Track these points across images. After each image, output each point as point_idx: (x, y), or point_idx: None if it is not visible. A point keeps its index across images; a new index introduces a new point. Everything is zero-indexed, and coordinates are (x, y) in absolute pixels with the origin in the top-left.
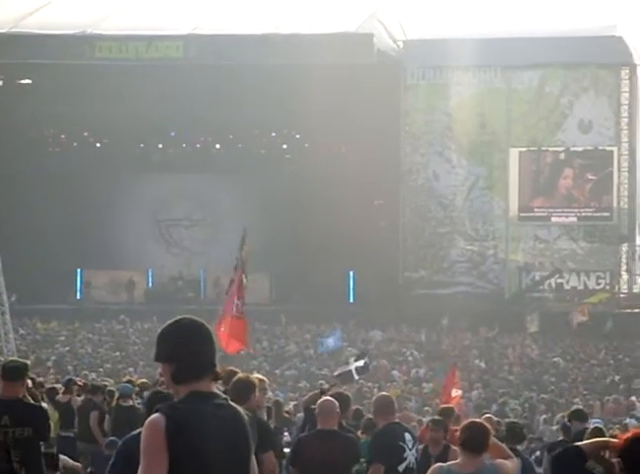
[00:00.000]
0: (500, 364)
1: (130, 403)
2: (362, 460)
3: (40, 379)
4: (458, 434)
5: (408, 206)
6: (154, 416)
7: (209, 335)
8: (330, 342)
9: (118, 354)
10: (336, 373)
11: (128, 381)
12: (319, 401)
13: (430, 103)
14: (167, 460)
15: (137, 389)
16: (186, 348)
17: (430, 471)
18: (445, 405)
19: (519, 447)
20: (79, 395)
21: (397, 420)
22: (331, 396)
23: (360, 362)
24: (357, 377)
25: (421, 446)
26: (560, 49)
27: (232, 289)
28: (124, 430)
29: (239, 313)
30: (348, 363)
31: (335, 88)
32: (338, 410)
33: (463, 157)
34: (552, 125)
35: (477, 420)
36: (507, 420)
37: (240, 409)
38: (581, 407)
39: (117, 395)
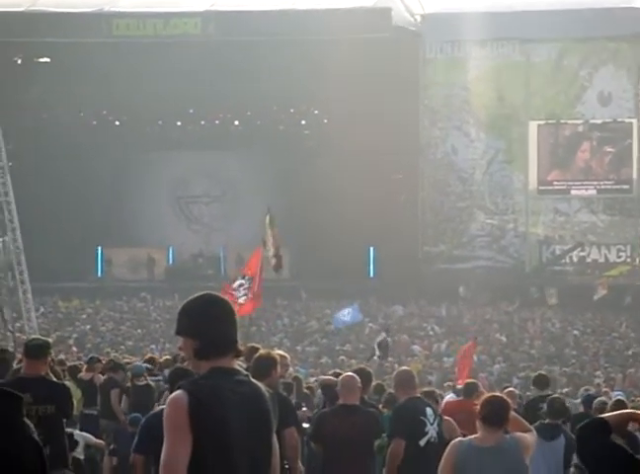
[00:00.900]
0: (521, 338)
1: (144, 382)
2: (384, 435)
3: (62, 357)
4: (478, 408)
5: (427, 181)
6: (176, 393)
7: (232, 311)
8: (345, 316)
9: (139, 331)
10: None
11: (150, 358)
12: (341, 376)
13: (448, 77)
14: (190, 437)
15: (157, 367)
16: (210, 324)
17: (450, 446)
18: (470, 380)
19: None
20: (102, 373)
21: (418, 394)
22: (353, 371)
23: (380, 337)
24: (377, 353)
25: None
26: (579, 22)
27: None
28: (141, 408)
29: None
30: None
31: (353, 63)
32: (359, 385)
33: (482, 131)
34: (571, 98)
35: (497, 394)
36: (549, 396)
37: (261, 385)
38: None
39: (130, 375)
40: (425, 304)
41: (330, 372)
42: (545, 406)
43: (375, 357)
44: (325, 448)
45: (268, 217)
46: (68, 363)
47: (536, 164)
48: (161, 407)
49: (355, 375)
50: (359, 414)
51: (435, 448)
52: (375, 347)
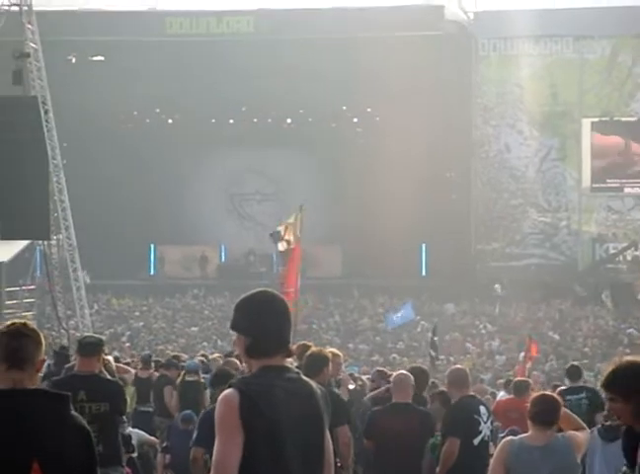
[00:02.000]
0: (574, 336)
1: (195, 378)
2: (437, 434)
3: (117, 354)
4: (528, 406)
5: (479, 179)
6: (228, 391)
7: (286, 310)
8: (397, 316)
9: (192, 329)
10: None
11: (203, 355)
12: (394, 374)
13: (501, 74)
14: (241, 435)
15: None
16: (263, 322)
17: (500, 444)
18: (521, 379)
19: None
20: (156, 370)
21: (472, 393)
22: (409, 370)
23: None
24: (433, 353)
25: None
26: (632, 18)
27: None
28: (190, 404)
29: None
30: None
31: (406, 60)
32: (412, 383)
33: (535, 128)
34: (625, 95)
35: (547, 392)
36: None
37: (313, 383)
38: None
39: (183, 371)
40: (477, 302)
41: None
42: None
43: (433, 354)
44: (377, 446)
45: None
46: (122, 361)
47: (590, 162)
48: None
49: (407, 373)
50: (411, 412)
51: (488, 447)
52: (431, 351)
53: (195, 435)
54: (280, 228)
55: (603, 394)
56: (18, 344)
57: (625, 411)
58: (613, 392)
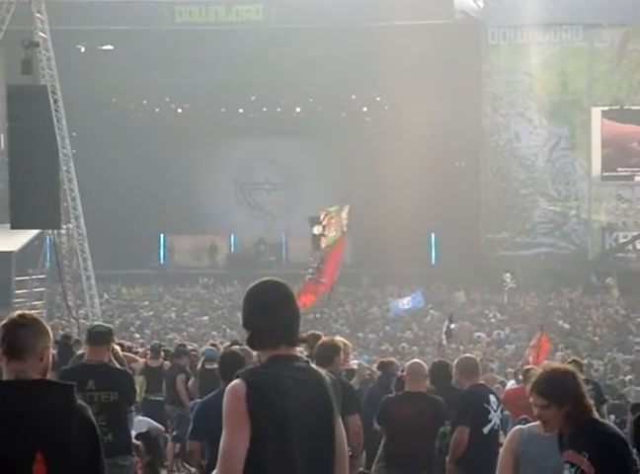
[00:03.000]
0: (584, 325)
1: (215, 365)
2: (447, 422)
3: (127, 343)
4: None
5: (489, 168)
6: (235, 382)
7: (287, 299)
8: (405, 304)
9: (202, 318)
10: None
11: (212, 345)
12: (408, 363)
13: (511, 63)
14: (249, 426)
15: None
16: (259, 314)
17: (510, 433)
18: (529, 367)
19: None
20: (166, 359)
21: (482, 381)
22: (436, 364)
23: (444, 327)
24: (445, 342)
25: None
26: None
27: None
28: (208, 392)
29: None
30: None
31: (415, 49)
32: (426, 373)
33: (545, 117)
34: (635, 84)
35: None
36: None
37: (322, 371)
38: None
39: (202, 358)
40: (486, 291)
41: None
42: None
43: (444, 342)
44: (388, 432)
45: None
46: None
47: (600, 150)
48: (212, 393)
49: (421, 362)
50: (424, 400)
51: (497, 436)
52: (443, 335)
53: (190, 428)
54: (321, 214)
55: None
56: (14, 335)
57: (557, 416)
58: (548, 398)
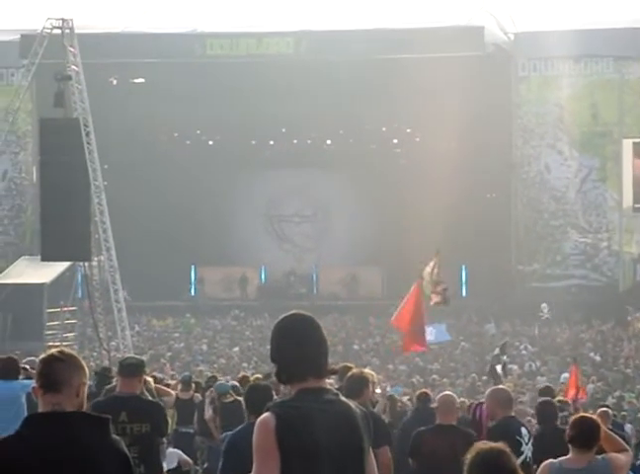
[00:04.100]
0: (615, 358)
1: (231, 399)
2: None
3: (159, 375)
4: (568, 430)
5: (520, 199)
6: (264, 415)
7: (314, 331)
8: (429, 334)
9: (232, 349)
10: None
11: (243, 377)
12: (439, 396)
13: (541, 94)
14: (279, 459)
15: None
16: (286, 347)
17: (541, 467)
18: (561, 399)
19: None
20: (196, 391)
21: (513, 414)
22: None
23: (499, 361)
24: (502, 377)
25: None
26: None
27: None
28: (232, 425)
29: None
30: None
31: (446, 81)
32: (458, 405)
33: (575, 149)
34: None
35: (587, 415)
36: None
37: (352, 404)
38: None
39: (214, 393)
40: (518, 323)
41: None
42: None
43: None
44: (421, 466)
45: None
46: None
47: (631, 182)
48: (240, 426)
49: (453, 395)
50: (455, 433)
51: (529, 469)
52: (499, 370)
53: (220, 463)
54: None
55: None
56: (50, 368)
57: None
58: None
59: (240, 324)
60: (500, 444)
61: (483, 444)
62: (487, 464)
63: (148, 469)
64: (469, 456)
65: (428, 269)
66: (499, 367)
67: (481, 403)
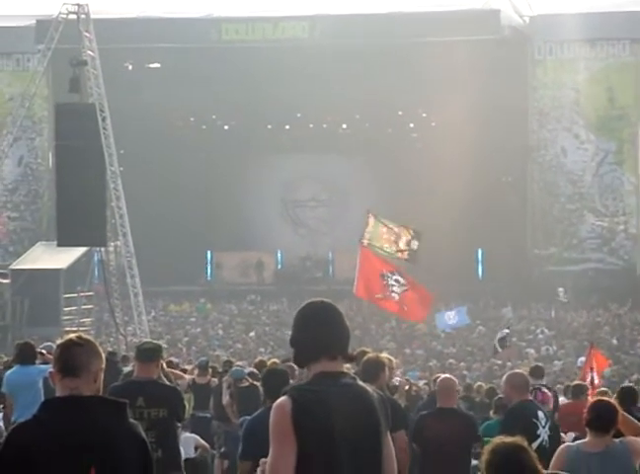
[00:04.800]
0: (632, 341)
1: (247, 383)
2: (489, 439)
3: (176, 360)
4: (585, 413)
5: (536, 183)
6: (281, 399)
7: (330, 316)
8: (451, 319)
9: (249, 334)
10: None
11: (260, 362)
12: (439, 379)
13: (557, 78)
14: (295, 443)
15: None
16: (302, 330)
17: (558, 450)
18: (578, 382)
19: None
20: (213, 376)
21: (530, 397)
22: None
23: (501, 334)
24: (499, 350)
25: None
26: None
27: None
28: (248, 409)
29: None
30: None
31: (462, 65)
32: (458, 388)
33: (592, 132)
34: None
35: (604, 398)
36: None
37: (369, 388)
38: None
39: (231, 379)
40: (534, 307)
41: None
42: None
43: (498, 350)
44: (424, 450)
45: (372, 219)
46: (180, 366)
47: None
48: (259, 411)
49: (453, 378)
50: (456, 417)
51: (546, 452)
52: (496, 343)
53: (240, 449)
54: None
55: None
56: (69, 353)
57: None
58: None
59: (256, 309)
60: (518, 439)
61: (501, 439)
62: (505, 458)
63: (166, 454)
64: (487, 449)
65: (370, 234)
66: (496, 340)
67: (539, 388)
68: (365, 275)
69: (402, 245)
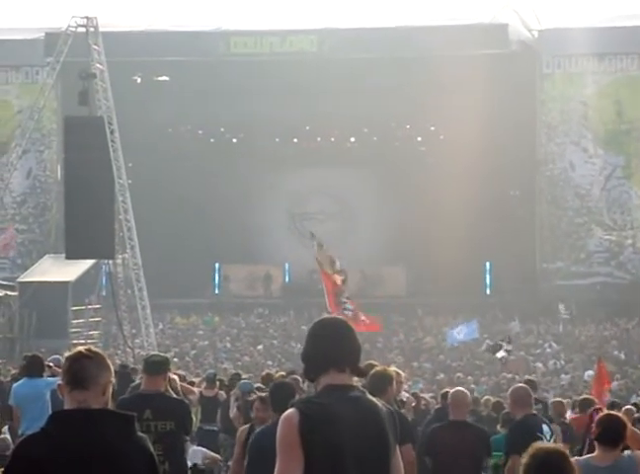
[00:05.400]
0: None
1: (254, 397)
2: (499, 453)
3: (183, 373)
4: (594, 427)
5: (544, 197)
6: (288, 411)
7: (341, 331)
8: (459, 333)
9: (256, 347)
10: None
11: (267, 375)
12: (451, 392)
13: (565, 92)
14: (302, 455)
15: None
16: (311, 346)
17: None
18: (586, 396)
19: None
20: (221, 389)
21: (534, 411)
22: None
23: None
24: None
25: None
26: None
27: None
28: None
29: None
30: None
31: (470, 79)
32: (470, 401)
33: (600, 146)
34: None
35: (612, 412)
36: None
37: (377, 401)
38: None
39: (238, 391)
40: (542, 320)
41: None
42: None
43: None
44: (436, 463)
45: (315, 243)
46: (187, 379)
47: None
48: (266, 424)
49: (465, 391)
50: (468, 430)
51: None
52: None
53: (246, 462)
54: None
55: None
56: (78, 365)
57: None
58: None
59: (264, 322)
60: (559, 446)
61: (541, 445)
62: (543, 462)
63: (172, 467)
64: (527, 453)
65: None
66: (500, 353)
67: (598, 408)
68: (329, 292)
69: (337, 267)
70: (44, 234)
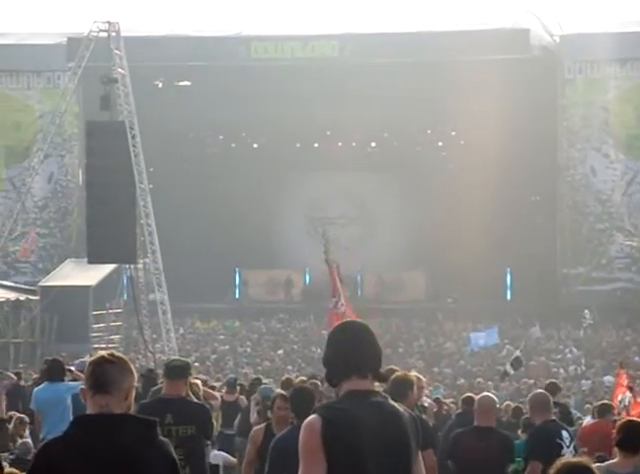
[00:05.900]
0: None
1: (274, 394)
2: (519, 459)
3: (204, 377)
4: (615, 433)
5: (565, 202)
6: (311, 417)
7: (362, 336)
8: (480, 338)
9: (277, 352)
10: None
11: (287, 380)
12: (478, 397)
13: (587, 97)
14: (324, 461)
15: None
16: (333, 351)
17: None
18: (604, 402)
19: None
20: (241, 394)
21: (554, 417)
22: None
23: (515, 353)
24: (511, 372)
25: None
26: None
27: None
28: None
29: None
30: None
31: (491, 84)
32: (496, 407)
33: (621, 152)
34: None
35: (633, 419)
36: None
37: (399, 406)
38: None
39: (259, 397)
40: (562, 326)
41: None
42: None
43: (511, 373)
44: (459, 468)
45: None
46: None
47: None
48: (286, 429)
49: (492, 396)
50: (493, 436)
51: None
52: (508, 367)
53: (267, 467)
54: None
55: None
56: (101, 370)
57: None
58: None
59: (285, 326)
60: (584, 459)
61: (567, 459)
62: None
63: (193, 471)
64: (553, 467)
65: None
66: (508, 366)
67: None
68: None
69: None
70: (66, 239)
